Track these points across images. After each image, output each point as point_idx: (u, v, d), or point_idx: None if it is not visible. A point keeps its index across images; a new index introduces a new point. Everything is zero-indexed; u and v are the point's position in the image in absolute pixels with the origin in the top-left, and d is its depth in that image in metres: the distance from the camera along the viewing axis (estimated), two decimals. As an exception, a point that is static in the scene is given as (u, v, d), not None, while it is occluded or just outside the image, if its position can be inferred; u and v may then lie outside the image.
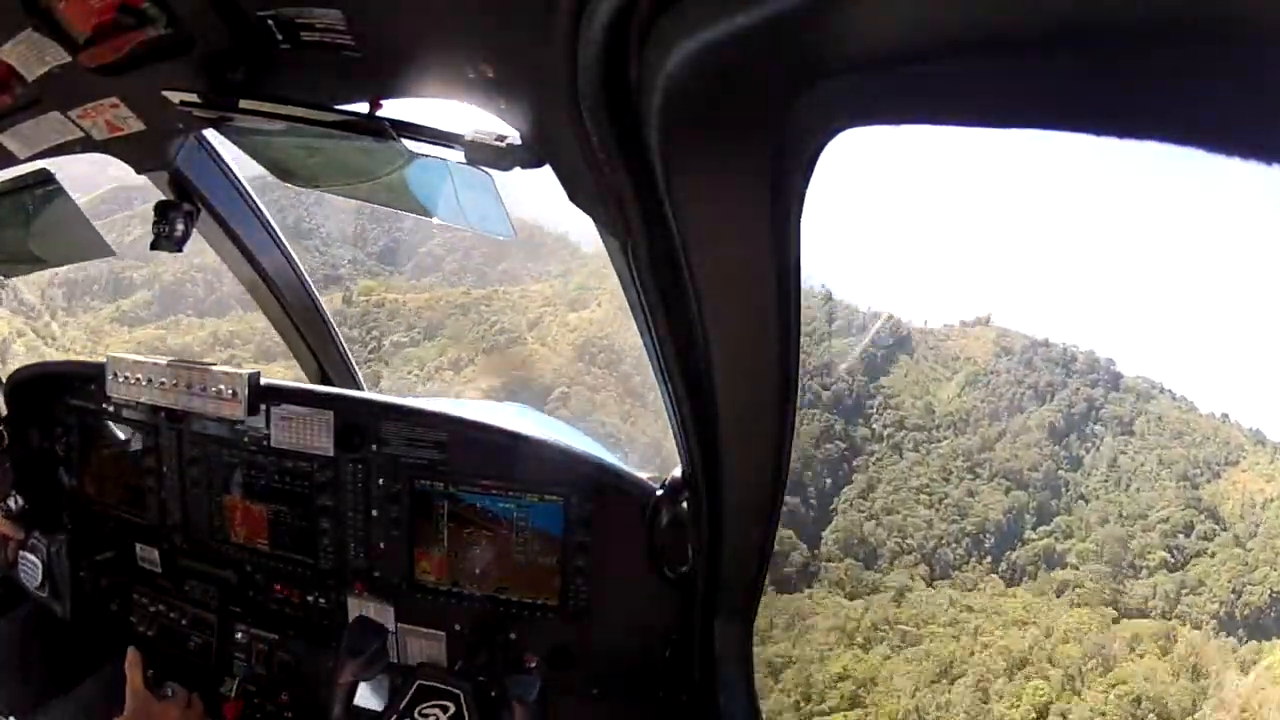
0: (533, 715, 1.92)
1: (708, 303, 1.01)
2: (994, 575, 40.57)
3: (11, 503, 2.61)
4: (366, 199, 1.86)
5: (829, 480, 41.51)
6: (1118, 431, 45.14)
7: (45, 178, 2.12)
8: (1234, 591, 38.21)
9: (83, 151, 1.94)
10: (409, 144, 1.41)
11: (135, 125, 1.76)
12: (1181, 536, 40.83)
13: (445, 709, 1.92)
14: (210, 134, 2.06)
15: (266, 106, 1.44)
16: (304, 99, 1.44)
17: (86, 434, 2.62)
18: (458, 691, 1.93)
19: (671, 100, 0.67)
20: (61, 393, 2.60)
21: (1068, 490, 43.50)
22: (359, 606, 2.32)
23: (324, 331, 2.88)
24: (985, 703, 33.80)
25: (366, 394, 2.78)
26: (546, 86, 0.90)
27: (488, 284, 48.63)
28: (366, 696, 2.13)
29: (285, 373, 3.28)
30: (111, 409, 2.50)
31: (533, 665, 1.98)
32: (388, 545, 2.28)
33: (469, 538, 2.23)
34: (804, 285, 0.97)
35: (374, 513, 2.27)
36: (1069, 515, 42.55)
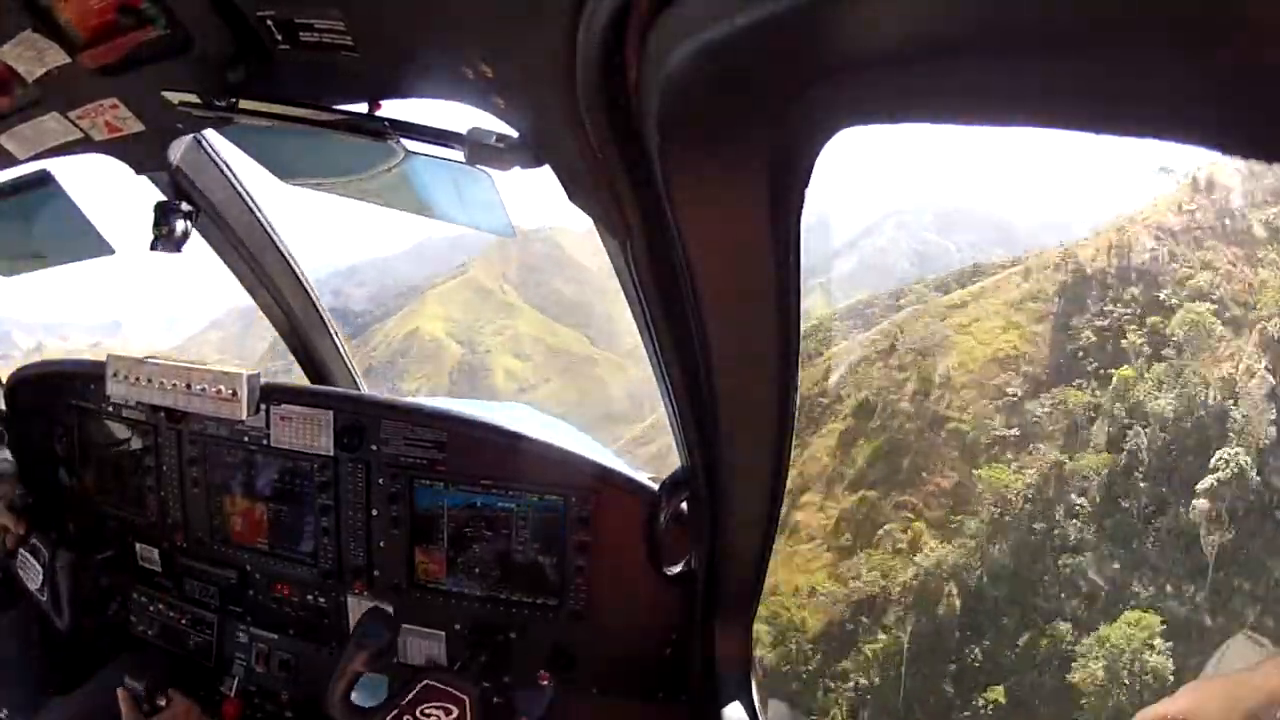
0: None
1: (707, 302, 1.01)
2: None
3: (15, 496, 2.61)
4: (366, 199, 1.86)
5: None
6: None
7: (45, 178, 2.12)
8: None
9: (82, 152, 1.93)
10: (408, 144, 1.41)
11: (135, 126, 1.76)
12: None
13: (449, 711, 1.91)
14: (210, 134, 2.06)
15: (266, 107, 1.44)
16: (303, 99, 1.44)
17: (86, 433, 2.62)
18: (464, 696, 1.92)
19: (670, 100, 0.67)
20: (62, 392, 2.60)
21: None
22: (359, 606, 2.32)
23: (324, 331, 2.88)
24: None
25: (366, 394, 2.78)
26: (546, 86, 0.90)
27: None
28: (362, 696, 2.13)
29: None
30: (111, 409, 2.51)
31: (545, 682, 1.97)
32: (388, 545, 2.28)
33: (469, 537, 2.23)
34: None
35: (374, 512, 2.27)
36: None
